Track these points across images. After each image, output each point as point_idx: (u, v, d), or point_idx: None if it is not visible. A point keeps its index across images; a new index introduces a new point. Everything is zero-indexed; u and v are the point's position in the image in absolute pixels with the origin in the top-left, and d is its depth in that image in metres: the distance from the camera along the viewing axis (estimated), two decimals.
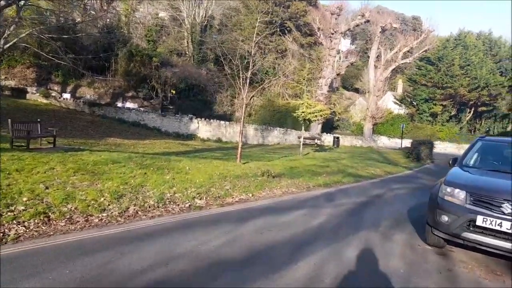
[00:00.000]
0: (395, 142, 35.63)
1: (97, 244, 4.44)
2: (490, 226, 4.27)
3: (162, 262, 4.00)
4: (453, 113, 39.01)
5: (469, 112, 39.44)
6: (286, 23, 35.83)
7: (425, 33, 33.36)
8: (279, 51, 34.90)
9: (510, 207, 4.22)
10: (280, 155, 18.52)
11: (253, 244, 4.79)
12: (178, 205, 6.71)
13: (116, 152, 11.77)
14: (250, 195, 8.26)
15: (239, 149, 12.80)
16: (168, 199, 6.84)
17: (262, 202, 7.84)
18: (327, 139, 31.84)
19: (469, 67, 35.99)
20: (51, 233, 4.78)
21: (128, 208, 6.02)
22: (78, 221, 5.25)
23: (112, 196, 6.28)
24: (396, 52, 34.11)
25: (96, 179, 7.09)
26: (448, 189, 4.79)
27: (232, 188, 8.44)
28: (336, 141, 30.17)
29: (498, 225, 4.22)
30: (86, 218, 5.40)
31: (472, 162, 5.73)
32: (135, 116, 28.11)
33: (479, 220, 4.34)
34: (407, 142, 30.00)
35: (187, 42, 37.25)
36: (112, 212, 5.74)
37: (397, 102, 44.92)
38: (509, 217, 4.20)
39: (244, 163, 12.58)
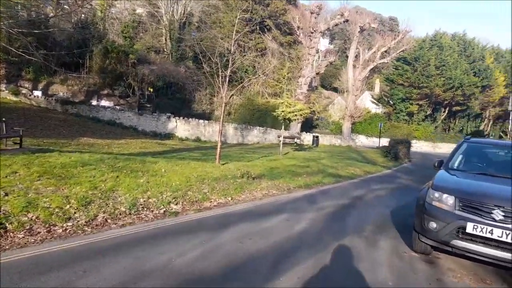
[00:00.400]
0: (373, 141, 36.01)
1: (57, 260, 3.98)
2: (480, 234, 4.08)
3: (129, 282, 3.59)
4: (428, 112, 39.83)
5: (444, 112, 40.37)
6: (265, 21, 35.57)
7: (402, 33, 33.82)
8: (258, 50, 34.61)
9: (501, 213, 4.04)
10: (260, 154, 18.23)
11: (232, 255, 4.44)
12: (152, 211, 6.30)
13: (88, 153, 11.16)
14: (229, 198, 7.92)
15: (218, 149, 12.41)
16: (141, 204, 6.41)
17: (241, 206, 7.51)
18: (307, 138, 31.82)
19: (444, 68, 36.79)
20: (7, 246, 4.29)
21: (97, 216, 5.56)
22: (39, 232, 4.77)
23: (79, 203, 5.80)
24: (374, 52, 34.44)
25: (63, 184, 6.56)
26: (436, 194, 4.59)
27: (211, 191, 8.07)
28: (316, 140, 30.19)
29: (489, 232, 4.03)
30: (49, 229, 4.91)
31: (458, 164, 5.56)
32: (111, 115, 27.20)
33: (469, 227, 4.15)
34: (384, 141, 30.31)
35: (165, 39, 36.44)
36: (78, 221, 5.27)
37: (375, 101, 45.54)
38: (500, 224, 4.03)
39: (223, 164, 12.21)
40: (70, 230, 4.97)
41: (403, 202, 9.11)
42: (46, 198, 5.75)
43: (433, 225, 4.44)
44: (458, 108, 39.52)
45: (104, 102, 28.54)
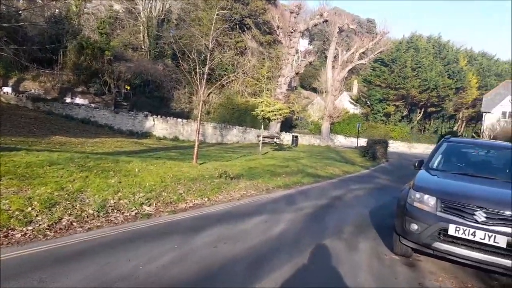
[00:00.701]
0: (351, 141, 36.36)
1: (10, 269, 3.60)
2: (463, 236, 3.97)
3: None
4: (405, 113, 40.60)
5: (420, 113, 41.26)
6: (245, 20, 35.33)
7: (380, 35, 34.28)
8: (238, 48, 34.34)
9: (483, 215, 3.95)
10: (239, 154, 17.99)
11: (205, 262, 4.16)
12: (123, 213, 5.95)
13: (57, 152, 10.62)
14: (206, 199, 7.64)
15: (196, 148, 12.08)
16: (111, 206, 6.05)
17: (218, 207, 7.25)
18: (286, 138, 31.79)
19: (420, 69, 37.59)
20: None
21: (61, 219, 5.18)
22: None
23: (43, 205, 5.40)
24: (353, 53, 34.75)
25: (26, 185, 6.13)
26: (417, 195, 4.46)
27: (186, 192, 7.77)
28: (295, 140, 30.20)
29: (472, 234, 3.92)
30: (6, 233, 4.51)
31: (439, 164, 5.47)
32: (85, 113, 26.32)
33: (451, 229, 4.03)
34: (362, 141, 30.64)
35: (143, 36, 35.66)
36: (40, 225, 4.89)
37: (353, 102, 46.10)
38: (483, 226, 3.93)
39: (200, 164, 11.90)
40: (30, 235, 4.58)
41: (381, 202, 9.06)
42: (6, 200, 5.33)
43: (414, 227, 4.31)
44: (433, 109, 40.44)
45: (79, 100, 27.59)
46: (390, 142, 32.09)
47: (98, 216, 5.58)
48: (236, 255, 4.43)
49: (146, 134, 27.15)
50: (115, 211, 5.95)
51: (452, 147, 5.77)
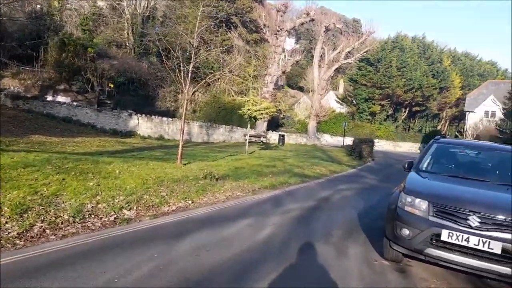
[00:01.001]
0: (338, 140, 36.44)
1: None
2: (456, 242, 3.81)
3: None
4: (390, 112, 40.94)
5: (404, 112, 41.67)
6: (231, 18, 34.99)
7: (366, 34, 34.43)
8: (224, 47, 33.98)
9: (477, 219, 3.80)
10: (225, 154, 17.71)
11: (186, 272, 3.89)
12: (101, 218, 5.64)
13: (35, 153, 10.19)
14: (190, 202, 7.37)
15: (180, 148, 11.78)
16: (88, 211, 5.72)
17: (203, 210, 6.98)
18: (273, 137, 31.65)
19: (405, 69, 37.94)
20: None
21: (33, 226, 4.84)
22: None
23: (14, 211, 5.06)
24: (339, 52, 34.82)
25: None
26: (409, 199, 4.28)
27: (169, 194, 7.48)
28: (282, 139, 30.09)
29: (465, 240, 3.76)
30: None
31: (429, 166, 5.32)
32: (67, 111, 25.68)
33: (444, 235, 3.87)
34: (348, 140, 30.71)
35: (128, 33, 34.97)
36: (9, 233, 4.55)
37: (339, 101, 46.30)
38: (477, 231, 3.78)
39: (185, 164, 11.61)
40: None
41: (369, 203, 8.94)
42: None
43: (405, 232, 4.13)
44: (417, 108, 40.88)
45: (61, 98, 26.89)
46: (376, 141, 32.28)
47: (74, 222, 5.26)
48: (219, 265, 4.17)
49: (130, 133, 26.65)
50: (93, 216, 5.64)
51: (442, 148, 5.62)
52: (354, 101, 42.91)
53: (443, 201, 4.09)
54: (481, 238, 3.72)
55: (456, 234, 3.82)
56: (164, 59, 12.55)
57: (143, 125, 27.77)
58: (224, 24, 34.39)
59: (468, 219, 3.84)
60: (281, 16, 30.90)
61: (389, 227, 4.48)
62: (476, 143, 6.07)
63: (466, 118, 37.35)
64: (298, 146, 29.84)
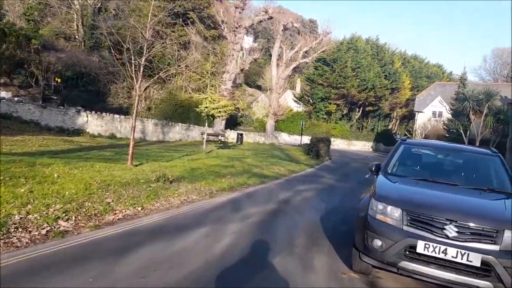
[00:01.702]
0: (295, 139, 36.63)
1: None
2: (433, 254, 3.51)
3: None
4: (345, 112, 41.93)
5: (358, 111, 42.87)
6: (189, 13, 33.90)
7: (323, 34, 34.87)
8: (181, 42, 32.86)
9: (454, 229, 3.53)
10: (181, 153, 16.91)
11: None
12: (30, 232, 4.81)
13: None
14: (140, 208, 6.66)
15: (131, 148, 10.91)
16: (15, 224, 4.87)
17: (154, 217, 6.31)
18: (231, 135, 31.12)
19: (359, 70, 38.96)
20: None
21: None
22: None
23: None
24: (297, 51, 35.00)
25: None
26: (380, 206, 3.93)
27: (116, 200, 6.71)
28: (240, 137, 29.66)
29: (443, 252, 3.47)
30: None
31: (397, 169, 5.04)
32: (6, 107, 23.46)
33: (420, 247, 3.55)
34: (306, 139, 30.90)
35: (77, 25, 32.74)
36: None
37: (297, 100, 46.70)
38: (454, 242, 3.51)
39: (136, 165, 10.77)
40: None
41: (331, 205, 8.71)
42: None
43: (378, 243, 3.78)
44: (370, 108, 42.19)
45: (0, 93, 24.51)
46: (332, 139, 32.84)
47: None
48: None
49: (79, 131, 24.93)
50: (20, 229, 4.79)
51: (409, 150, 5.38)
52: (311, 101, 43.44)
53: (417, 208, 3.78)
54: (459, 250, 3.45)
55: (432, 246, 3.51)
56: (113, 52, 11.55)
57: (93, 123, 26.08)
58: (181, 19, 33.25)
59: (444, 229, 3.55)
60: (240, 13, 30.39)
61: (359, 237, 4.10)
62: (444, 145, 5.91)
63: (415, 118, 39.04)
64: (256, 145, 29.53)
